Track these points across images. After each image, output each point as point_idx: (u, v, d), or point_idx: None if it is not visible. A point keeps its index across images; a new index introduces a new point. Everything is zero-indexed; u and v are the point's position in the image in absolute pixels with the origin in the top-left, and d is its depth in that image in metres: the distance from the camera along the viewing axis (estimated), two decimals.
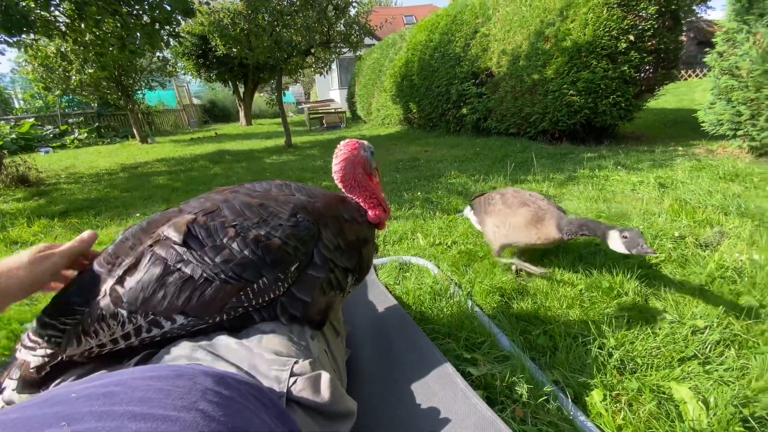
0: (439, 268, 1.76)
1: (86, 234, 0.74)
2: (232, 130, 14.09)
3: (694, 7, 14.28)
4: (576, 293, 1.46)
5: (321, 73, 11.14)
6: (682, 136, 4.96)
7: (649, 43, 4.34)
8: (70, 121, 14.58)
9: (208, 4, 9.04)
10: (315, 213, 0.78)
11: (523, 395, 0.93)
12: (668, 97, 8.18)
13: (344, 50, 10.79)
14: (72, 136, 12.71)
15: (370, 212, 0.92)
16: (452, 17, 6.99)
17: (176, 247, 0.66)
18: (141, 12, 5.55)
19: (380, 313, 1.30)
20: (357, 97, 12.61)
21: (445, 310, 1.38)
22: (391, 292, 1.51)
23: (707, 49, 3.78)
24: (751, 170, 3.01)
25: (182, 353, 0.65)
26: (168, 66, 13.73)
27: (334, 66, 19.54)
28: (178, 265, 0.65)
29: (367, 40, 13.15)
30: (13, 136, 11.10)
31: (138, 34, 5.67)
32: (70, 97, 13.65)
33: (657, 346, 1.14)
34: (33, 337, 0.67)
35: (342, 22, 9.75)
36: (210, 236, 0.68)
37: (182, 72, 16.43)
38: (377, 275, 1.69)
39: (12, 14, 4.14)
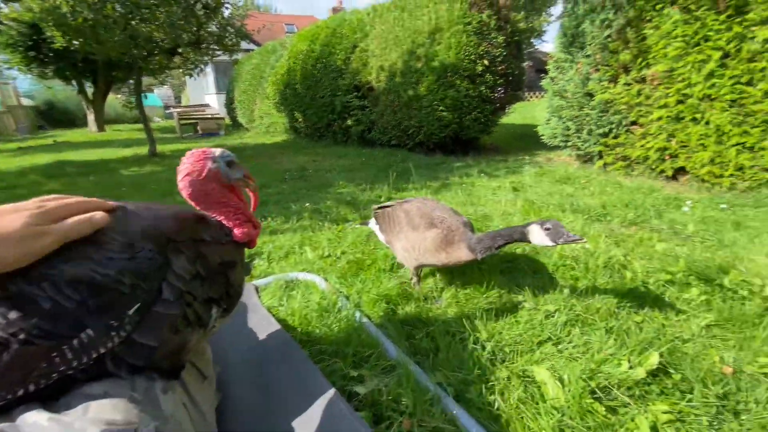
0: (327, 281, 1.71)
1: (98, 216, 0.59)
2: (77, 138, 11.72)
3: (532, 40, 17.43)
4: (453, 291, 1.57)
5: (191, 75, 10.10)
6: (527, 147, 5.92)
7: (500, 68, 5.09)
8: None
9: None
10: (160, 238, 0.64)
11: (408, 405, 0.94)
12: (516, 115, 9.74)
13: (218, 53, 9.99)
14: None
15: (236, 230, 0.81)
16: (332, 30, 7.10)
17: None
18: None
19: (262, 341, 1.19)
20: (237, 103, 11.79)
21: (333, 326, 1.33)
22: (274, 315, 1.39)
23: (542, 75, 4.59)
24: (578, 174, 3.74)
25: None
26: None
27: (209, 69, 17.97)
28: None
29: (246, 45, 12.47)
30: None
31: None
32: None
33: (520, 334, 1.29)
34: None
35: (215, 23, 9.02)
36: (2, 287, 0.50)
37: (6, 66, 13.08)
38: (259, 298, 1.55)
39: None
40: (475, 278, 1.65)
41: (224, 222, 0.80)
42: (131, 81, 12.90)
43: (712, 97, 2.98)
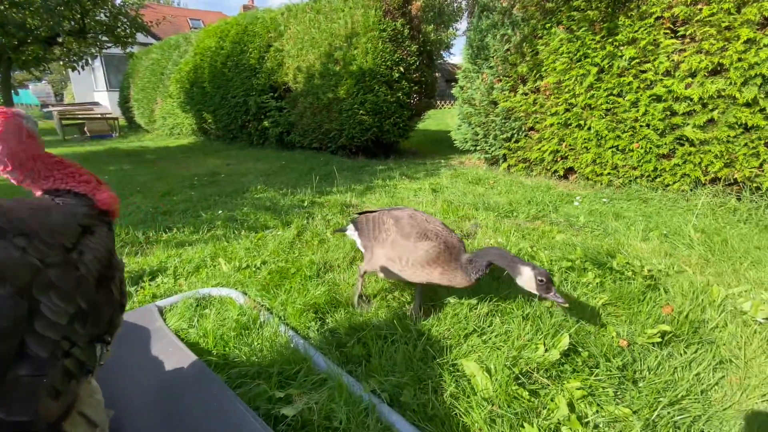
0: (246, 295, 1.56)
1: None
2: None
3: (442, 52, 18.64)
4: (379, 290, 1.55)
5: (74, 69, 8.74)
6: (442, 151, 6.26)
7: (414, 75, 5.29)
8: None
9: None
10: (23, 274, 0.46)
11: (342, 420, 0.88)
12: (430, 121, 10.28)
13: (109, 45, 8.76)
14: None
15: (96, 195, 0.63)
16: (243, 27, 6.71)
17: None
18: None
19: (169, 371, 1.03)
20: (134, 102, 10.48)
21: (254, 344, 1.21)
22: (183, 339, 1.22)
23: (453, 85, 4.89)
24: (487, 175, 4.04)
25: None
26: None
27: (98, 63, 15.69)
28: None
29: (143, 39, 11.15)
30: None
31: None
32: None
33: (447, 328, 1.32)
34: None
35: (104, 11, 7.89)
36: None
37: None
38: (164, 321, 1.35)
39: None
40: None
41: (76, 188, 0.61)
42: None
43: (592, 106, 3.46)
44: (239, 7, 22.00)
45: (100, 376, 0.89)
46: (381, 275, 1.43)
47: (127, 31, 8.14)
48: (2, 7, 6.28)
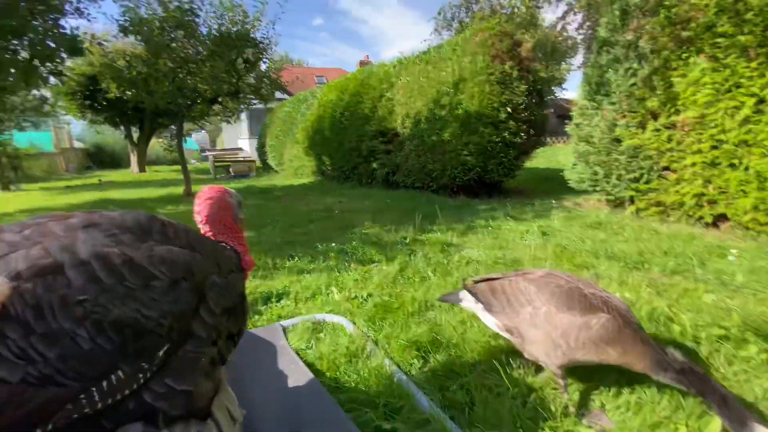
0: (354, 324, 1.68)
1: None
2: (121, 178, 12.54)
3: (553, 88, 17.87)
4: (486, 340, 1.50)
5: (228, 122, 10.82)
6: (553, 190, 5.86)
7: (523, 114, 5.19)
8: None
9: (101, 45, 8.33)
10: (201, 273, 0.61)
11: None
12: (539, 159, 9.76)
13: (254, 102, 10.74)
14: None
15: (243, 257, 0.81)
16: (360, 81, 7.53)
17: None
18: (18, 47, 4.82)
19: (290, 386, 1.16)
20: (268, 147, 12.43)
21: (362, 372, 1.29)
22: (302, 358, 1.37)
23: (567, 122, 4.64)
24: (610, 219, 3.63)
25: None
26: (45, 105, 11.97)
27: (243, 116, 19.23)
28: None
29: (279, 94, 13.35)
30: None
31: (12, 70, 4.87)
32: None
33: (558, 391, 1.20)
34: None
35: (252, 75, 9.79)
36: (41, 317, 0.45)
37: (63, 113, 14.47)
38: (287, 339, 1.53)
39: None
40: None
41: (236, 247, 0.81)
42: (173, 126, 13.93)
43: (750, 142, 2.90)
44: (356, 62, 24.80)
45: (234, 379, 1.05)
46: (545, 360, 1.14)
47: (269, 90, 9.86)
48: (181, 75, 8.24)
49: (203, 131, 29.37)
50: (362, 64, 22.54)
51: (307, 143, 9.39)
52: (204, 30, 7.93)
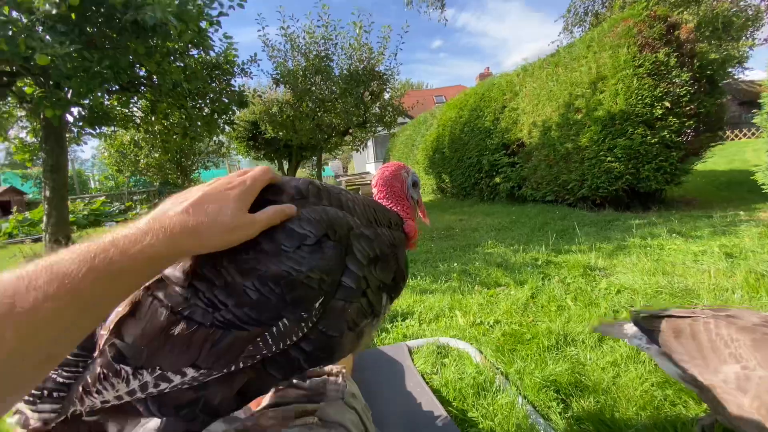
0: (482, 353, 1.58)
1: (291, 209, 0.61)
2: None
3: (730, 70, 14.14)
4: (647, 388, 1.23)
5: (358, 150, 11.87)
6: (740, 199, 4.59)
7: (688, 108, 4.26)
8: (135, 198, 16.20)
9: (260, 96, 10.25)
10: (345, 227, 0.65)
11: None
12: (717, 159, 7.79)
13: (379, 129, 11.57)
14: (134, 212, 13.97)
15: (407, 222, 0.83)
16: (480, 95, 7.38)
17: (179, 289, 0.55)
18: (203, 105, 6.32)
19: (417, 410, 1.15)
20: None
21: (491, 408, 1.19)
22: (428, 383, 1.35)
23: (755, 111, 3.63)
24: None
25: None
26: (222, 148, 15.27)
27: (369, 143, 20.92)
28: (185, 312, 0.54)
29: (400, 119, 14.10)
30: (85, 212, 12.39)
31: (198, 123, 6.40)
32: (137, 177, 15.30)
33: None
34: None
35: (377, 105, 10.61)
36: (219, 275, 0.56)
37: (234, 153, 18.20)
38: (413, 361, 1.53)
39: (96, 112, 4.84)
40: None
41: (400, 213, 0.85)
42: (314, 158, 16.05)
43: None
44: (475, 76, 24.45)
45: (368, 398, 1.08)
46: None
47: (393, 117, 10.50)
48: (319, 113, 9.45)
49: (337, 159, 32.92)
50: (482, 77, 22.12)
51: (426, 162, 9.61)
52: (337, 72, 9.00)
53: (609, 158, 4.56)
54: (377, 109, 10.67)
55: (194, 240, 0.48)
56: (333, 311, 0.62)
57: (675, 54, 4.27)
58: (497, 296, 2.28)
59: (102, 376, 0.54)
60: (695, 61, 4.37)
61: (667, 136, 4.26)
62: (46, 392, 0.58)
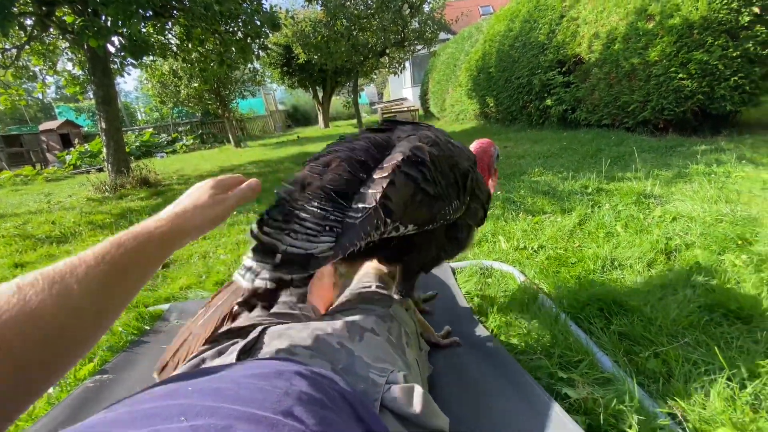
0: (525, 275, 1.66)
1: (254, 181, 0.74)
2: (312, 133, 14.97)
3: None
4: (693, 310, 1.26)
5: (395, 74, 11.27)
6: None
7: None
8: (180, 129, 16.84)
9: (293, 17, 9.71)
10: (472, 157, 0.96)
11: (632, 426, 0.83)
12: None
13: (418, 48, 10.75)
14: (181, 143, 14.63)
15: (488, 182, 1.15)
16: (535, 3, 6.54)
17: (423, 169, 0.75)
18: (236, 29, 6.14)
19: (460, 328, 1.26)
20: (430, 94, 12.49)
21: (533, 322, 1.29)
22: (470, 303, 1.46)
23: None
24: None
25: (283, 346, 0.69)
26: (257, 76, 15.06)
27: (407, 64, 19.67)
28: (422, 185, 0.74)
29: (442, 35, 12.97)
30: (137, 143, 13.16)
31: (233, 49, 6.29)
32: (180, 108, 15.70)
33: None
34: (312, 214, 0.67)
35: (416, 20, 9.72)
36: (439, 163, 0.78)
37: (269, 81, 17.92)
38: (456, 281, 1.64)
39: (136, 41, 4.87)
40: (731, 303, 1.28)
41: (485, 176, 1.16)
42: (349, 84, 15.46)
43: None
44: None
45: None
46: None
47: (434, 32, 9.68)
48: (355, 32, 8.87)
49: (372, 85, 31.50)
50: None
51: (470, 85, 8.99)
52: None
53: (681, 75, 4.05)
54: (416, 24, 9.81)
55: (184, 220, 0.61)
56: (471, 210, 0.93)
57: None
58: (542, 223, 2.29)
59: (375, 224, 0.69)
60: None
61: (752, 48, 3.67)
62: (327, 227, 0.68)
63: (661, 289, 1.43)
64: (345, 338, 0.71)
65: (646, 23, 4.39)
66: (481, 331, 1.24)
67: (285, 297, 0.97)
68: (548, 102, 6.17)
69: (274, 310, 0.88)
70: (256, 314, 0.84)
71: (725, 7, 3.68)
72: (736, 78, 3.82)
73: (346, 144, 0.80)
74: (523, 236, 2.14)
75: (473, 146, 1.17)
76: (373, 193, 0.68)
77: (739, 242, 1.70)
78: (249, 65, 10.93)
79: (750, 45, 3.68)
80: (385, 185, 0.68)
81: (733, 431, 0.83)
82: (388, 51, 10.50)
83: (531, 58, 6.48)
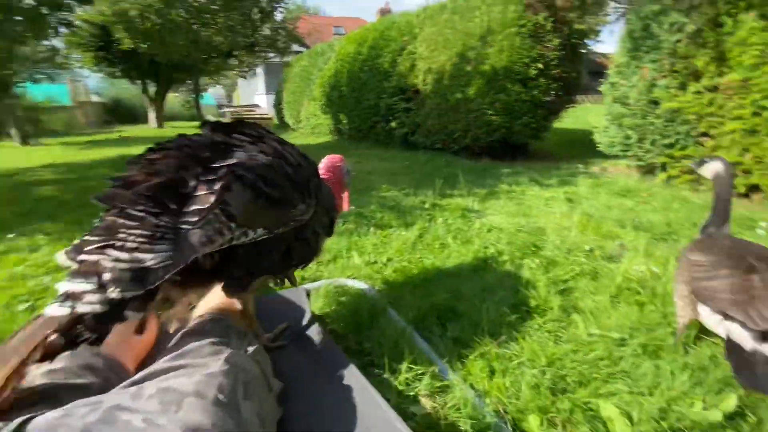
0: (375, 289, 1.70)
1: None
2: (140, 133, 12.64)
3: (586, 41, 16.48)
4: (504, 312, 1.51)
5: (244, 77, 10.59)
6: (581, 154, 5.62)
7: (555, 71, 4.87)
8: None
9: None
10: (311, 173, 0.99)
11: (467, 431, 0.90)
12: (569, 119, 9.26)
13: (270, 55, 10.39)
14: None
15: (338, 202, 1.23)
16: (380, 32, 7.15)
17: (263, 173, 0.75)
18: None
19: (309, 350, 1.19)
20: (285, 104, 12.20)
21: (383, 336, 1.32)
22: (325, 321, 1.41)
23: (601, 80, 4.34)
24: (640, 187, 3.49)
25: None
26: (58, 56, 11.89)
27: (260, 70, 18.76)
28: (265, 190, 0.74)
29: (296, 47, 12.89)
30: None
31: (19, 18, 4.80)
32: None
33: (581, 362, 1.21)
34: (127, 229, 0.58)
35: (268, 26, 9.39)
36: (279, 167, 0.80)
37: (78, 65, 14.41)
38: (309, 302, 1.57)
39: None
40: (531, 300, 1.58)
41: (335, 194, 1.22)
42: (189, 81, 13.76)
43: None
44: (375, 11, 23.39)
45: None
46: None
47: (285, 42, 9.52)
48: (195, 26, 7.99)
49: (219, 86, 28.87)
50: (382, 12, 21.27)
51: (323, 100, 9.16)
52: None
53: (490, 111, 5.02)
54: (267, 30, 9.48)
55: None
56: (317, 214, 0.96)
57: (551, 19, 4.74)
58: (390, 237, 2.44)
59: (217, 229, 0.66)
60: (565, 28, 4.94)
61: (537, 95, 4.86)
62: (159, 234, 0.60)
63: (483, 292, 1.66)
64: (155, 413, 0.55)
65: (467, 66, 5.30)
66: (333, 352, 1.19)
67: (78, 359, 0.72)
68: (393, 124, 6.79)
69: (65, 376, 0.68)
70: (59, 365, 0.67)
71: (520, 61, 4.76)
72: (527, 117, 4.97)
73: (180, 141, 0.76)
74: (373, 250, 2.22)
75: (324, 162, 1.23)
76: (208, 195, 0.66)
77: (533, 249, 2.15)
78: (44, 42, 8.52)
79: (536, 92, 4.85)
80: (220, 188, 0.67)
81: (539, 416, 0.99)
82: (236, 53, 9.80)
83: (377, 82, 7.02)
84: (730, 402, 1.02)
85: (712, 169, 1.40)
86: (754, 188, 3.07)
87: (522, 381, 1.11)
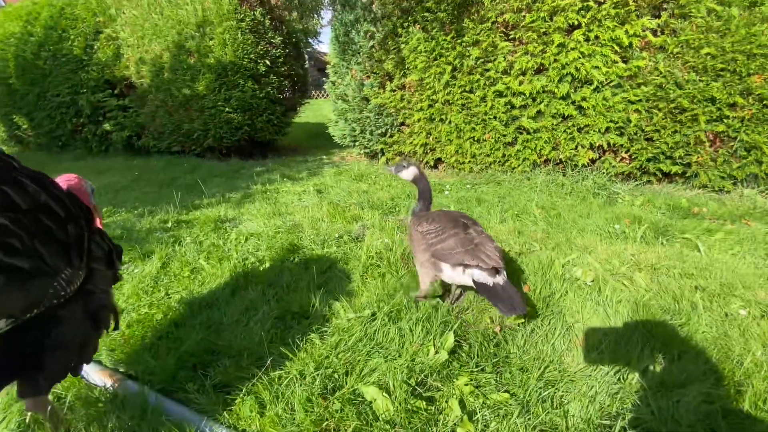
0: (101, 364, 1.28)
1: None
2: None
3: (310, 40, 18.04)
4: (271, 326, 1.44)
5: None
6: (323, 145, 6.18)
7: (283, 69, 5.04)
8: None
9: None
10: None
11: None
12: (308, 113, 10.00)
13: None
14: None
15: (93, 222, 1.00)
16: (58, 9, 5.39)
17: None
18: None
19: None
20: None
21: (130, 420, 1.00)
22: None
23: (327, 75, 4.80)
24: (369, 171, 4.13)
25: None
26: None
27: None
28: (6, 261, 0.65)
29: None
30: None
31: None
32: None
33: (344, 350, 1.30)
34: None
35: None
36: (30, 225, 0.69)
37: None
38: None
39: None
40: (293, 302, 1.58)
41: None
42: None
43: (450, 101, 3.80)
44: None
45: None
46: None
47: None
48: None
49: None
50: None
51: None
52: None
53: (227, 109, 4.72)
54: None
55: None
56: (96, 273, 0.90)
57: (268, 16, 4.81)
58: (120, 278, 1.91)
59: None
60: (284, 27, 5.14)
61: (271, 92, 4.92)
62: None
63: (246, 313, 1.54)
64: None
65: (188, 57, 4.73)
66: None
67: None
68: (107, 126, 5.39)
69: None
70: None
71: (247, 56, 4.61)
72: (267, 114, 4.95)
73: None
74: None
75: (69, 180, 1.10)
76: None
77: (293, 248, 2.16)
78: None
79: (269, 89, 4.87)
80: None
81: (318, 428, 0.99)
82: None
83: (69, 73, 5.34)
84: (449, 340, 1.33)
85: (410, 173, 1.82)
86: (438, 161, 4.20)
87: (294, 400, 1.08)
